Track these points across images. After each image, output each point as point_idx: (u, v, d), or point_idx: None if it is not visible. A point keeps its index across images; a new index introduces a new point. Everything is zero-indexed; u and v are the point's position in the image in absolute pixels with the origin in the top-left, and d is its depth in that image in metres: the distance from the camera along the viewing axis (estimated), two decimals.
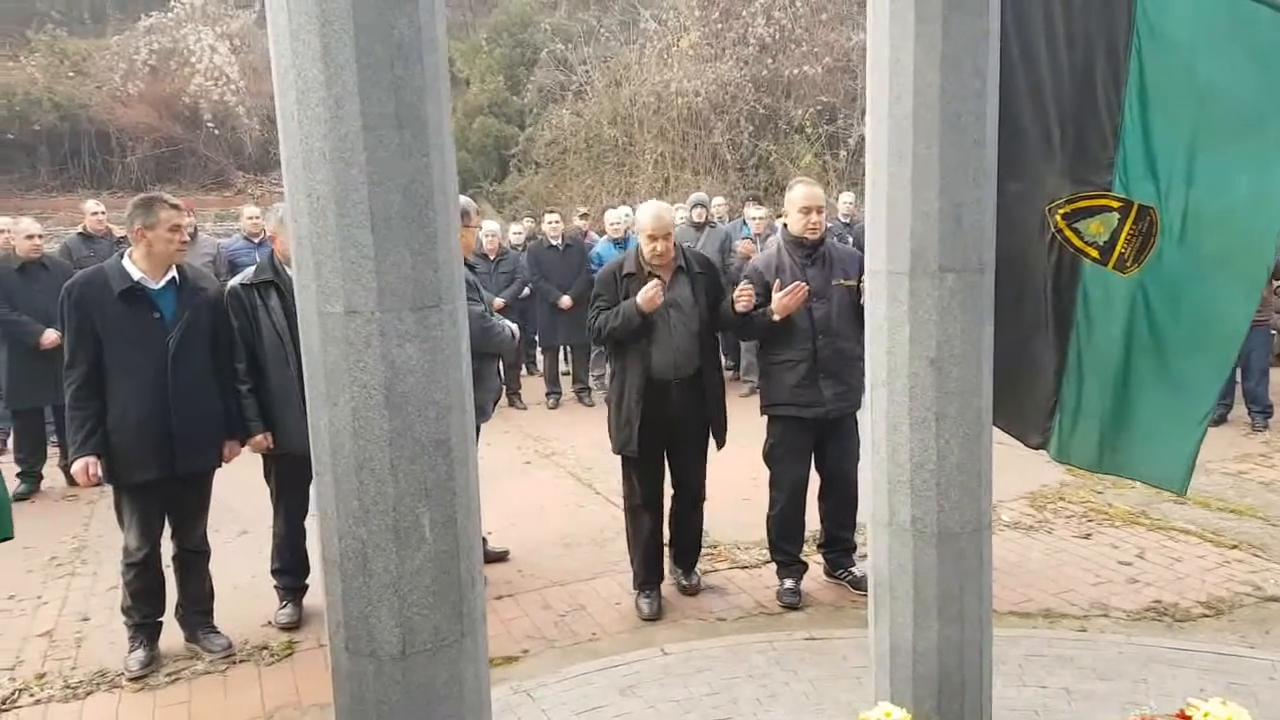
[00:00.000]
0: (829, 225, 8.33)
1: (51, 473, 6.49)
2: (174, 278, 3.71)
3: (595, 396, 8.67)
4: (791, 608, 4.21)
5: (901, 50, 2.63)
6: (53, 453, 6.58)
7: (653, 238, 4.14)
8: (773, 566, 4.45)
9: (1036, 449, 3.48)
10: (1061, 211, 3.22)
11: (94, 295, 3.58)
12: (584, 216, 10.48)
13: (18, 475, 6.31)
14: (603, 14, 15.60)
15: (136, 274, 3.63)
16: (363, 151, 1.96)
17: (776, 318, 4.10)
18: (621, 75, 14.55)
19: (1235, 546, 4.74)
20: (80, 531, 5.54)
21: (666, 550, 4.45)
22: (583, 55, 14.95)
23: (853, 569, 4.39)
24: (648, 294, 4.02)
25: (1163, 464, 3.12)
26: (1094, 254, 3.19)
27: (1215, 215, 2.92)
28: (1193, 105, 2.96)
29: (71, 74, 14.70)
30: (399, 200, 2.01)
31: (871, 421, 2.86)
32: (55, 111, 14.14)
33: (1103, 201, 3.16)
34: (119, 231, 8.37)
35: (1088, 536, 5.00)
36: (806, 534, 4.49)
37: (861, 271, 4.11)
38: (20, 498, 6.17)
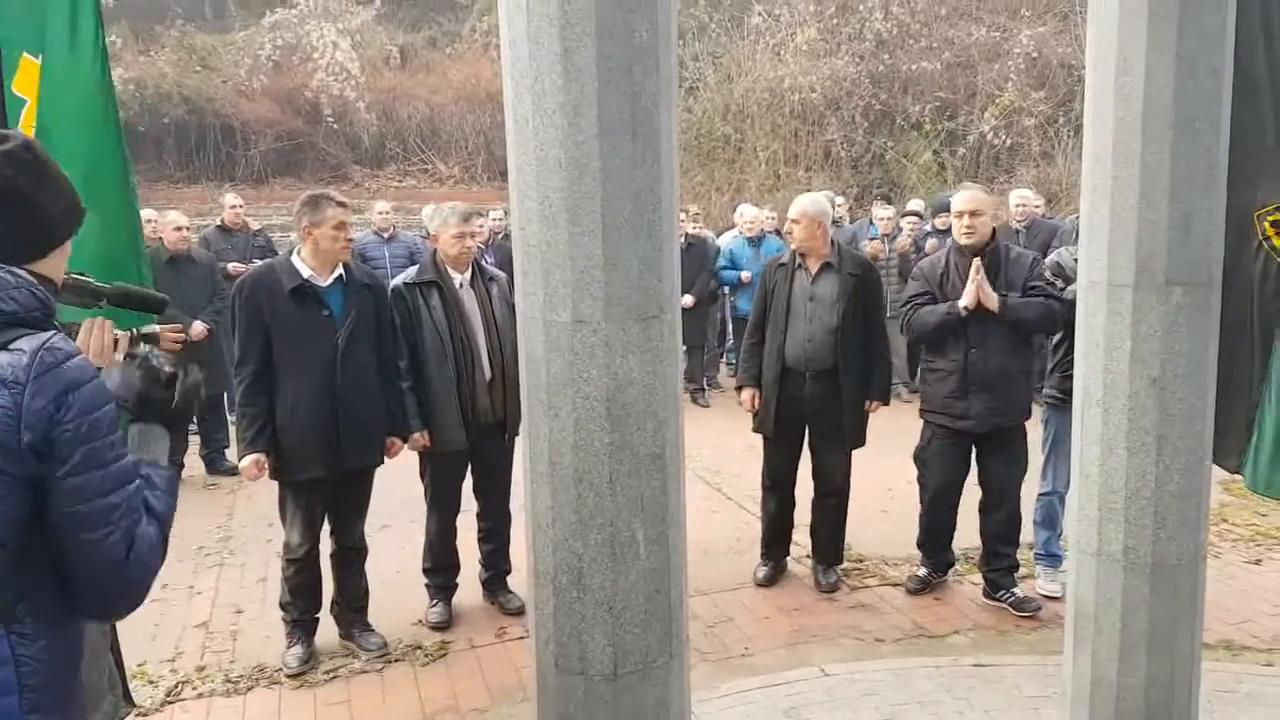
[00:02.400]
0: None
1: (192, 461, 6.72)
2: (341, 275, 3.74)
3: (710, 397, 8.59)
4: (913, 593, 4.35)
5: (1131, 49, 2.46)
6: (193, 442, 6.83)
7: (790, 219, 4.41)
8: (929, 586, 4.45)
9: (1233, 473, 3.26)
10: (1272, 218, 3.00)
11: (265, 293, 3.64)
12: (695, 216, 10.30)
13: None
14: (714, 9, 15.43)
15: (306, 272, 3.68)
16: (598, 159, 1.91)
17: (962, 304, 4.00)
18: (734, 71, 14.38)
19: None
20: (224, 521, 5.71)
21: (809, 544, 4.62)
22: (694, 51, 14.85)
23: (1015, 589, 4.22)
24: (747, 404, 4.49)
25: None
26: None
27: None
28: None
29: (199, 68, 15.23)
30: (629, 208, 1.95)
31: (1081, 444, 2.70)
32: (184, 105, 14.67)
33: None
34: (255, 225, 8.68)
35: (1259, 562, 4.68)
36: (961, 550, 4.46)
37: (1028, 281, 4.06)
38: None
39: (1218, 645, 3.80)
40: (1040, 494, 4.34)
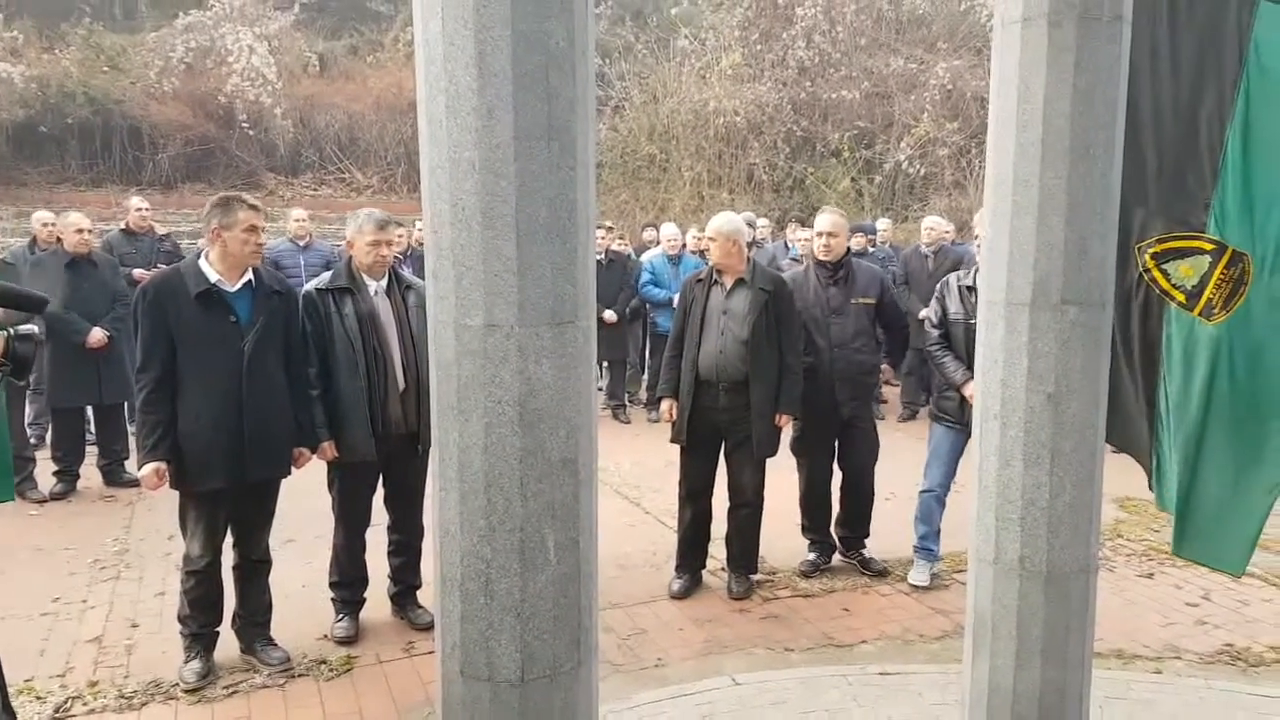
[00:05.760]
0: (871, 250, 8.39)
1: (88, 473, 6.43)
2: (250, 280, 3.65)
3: (631, 414, 8.61)
4: (806, 575, 4.80)
5: (1032, 77, 2.57)
6: (90, 452, 6.54)
7: (707, 236, 4.63)
8: (835, 597, 4.63)
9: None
10: (1151, 250, 3.12)
11: (169, 297, 3.52)
12: (610, 229, 10.35)
13: (54, 474, 6.24)
14: (640, 30, 15.61)
15: (213, 276, 3.57)
16: (513, 163, 1.90)
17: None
18: (659, 91, 14.56)
19: None
20: (121, 534, 5.47)
21: (725, 556, 4.74)
22: (620, 70, 14.98)
23: (863, 552, 4.93)
24: (665, 415, 4.67)
25: (1220, 544, 2.97)
26: (1180, 298, 3.07)
27: None
28: None
29: (106, 69, 14.66)
30: (544, 213, 1.95)
31: (980, 456, 2.79)
32: (89, 105, 14.08)
33: (1195, 244, 3.05)
34: (161, 229, 8.37)
35: (1150, 576, 4.91)
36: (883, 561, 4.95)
37: (881, 291, 4.78)
38: (57, 497, 6.12)
39: (1110, 654, 3.97)
40: (920, 492, 4.73)
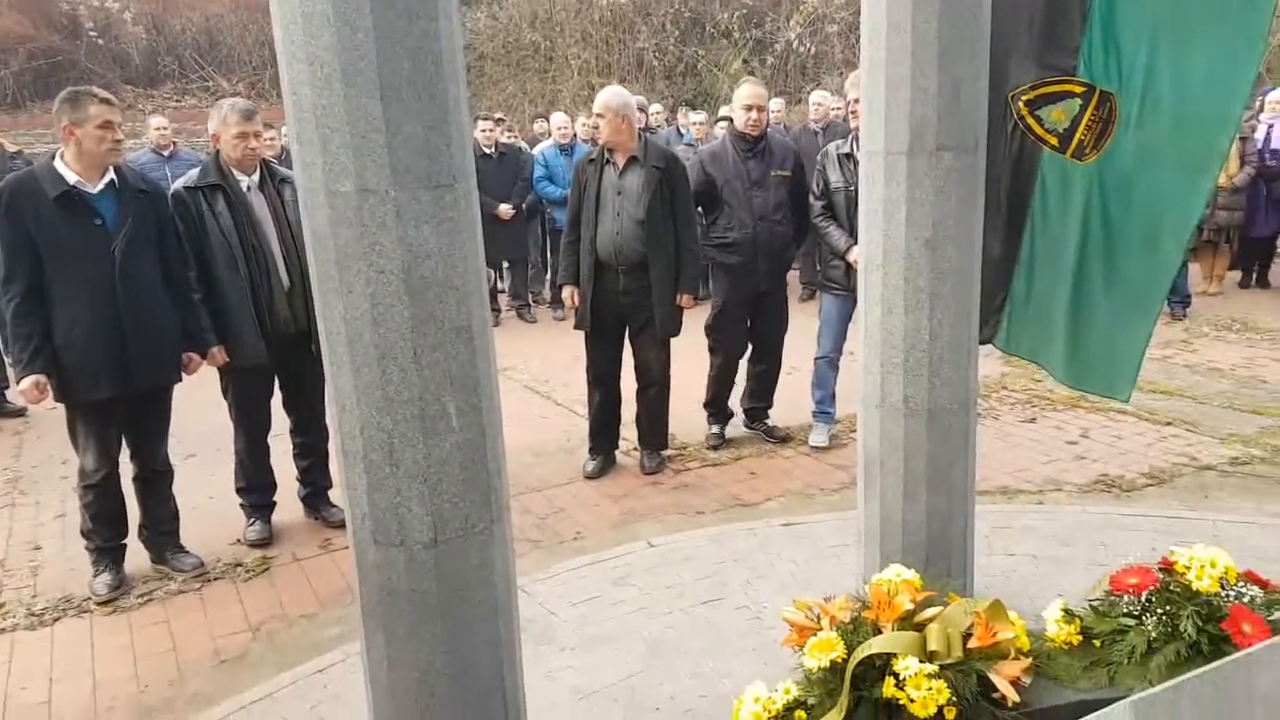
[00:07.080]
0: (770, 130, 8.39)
1: None
2: (113, 180, 3.44)
3: (536, 313, 8.56)
4: (714, 448, 4.95)
5: None
6: None
7: (595, 113, 4.48)
8: (742, 463, 4.79)
9: (985, 343, 3.46)
10: (1025, 98, 3.20)
11: (27, 201, 3.30)
12: (500, 121, 10.07)
13: None
14: None
15: (72, 177, 3.35)
16: (369, 14, 1.82)
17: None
18: None
19: (1169, 423, 5.04)
20: (11, 463, 5.25)
21: (635, 431, 4.83)
22: None
23: (767, 421, 5.13)
24: (568, 302, 4.65)
25: (1108, 373, 3.11)
26: (1053, 141, 3.17)
27: (1171, 104, 2.88)
28: None
29: None
30: (408, 66, 1.87)
31: (865, 305, 2.89)
32: None
33: (1066, 87, 3.14)
34: (12, 147, 7.76)
35: (1033, 421, 5.24)
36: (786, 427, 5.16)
37: (795, 164, 4.79)
38: None
39: (996, 491, 4.25)
40: (814, 359, 4.94)
